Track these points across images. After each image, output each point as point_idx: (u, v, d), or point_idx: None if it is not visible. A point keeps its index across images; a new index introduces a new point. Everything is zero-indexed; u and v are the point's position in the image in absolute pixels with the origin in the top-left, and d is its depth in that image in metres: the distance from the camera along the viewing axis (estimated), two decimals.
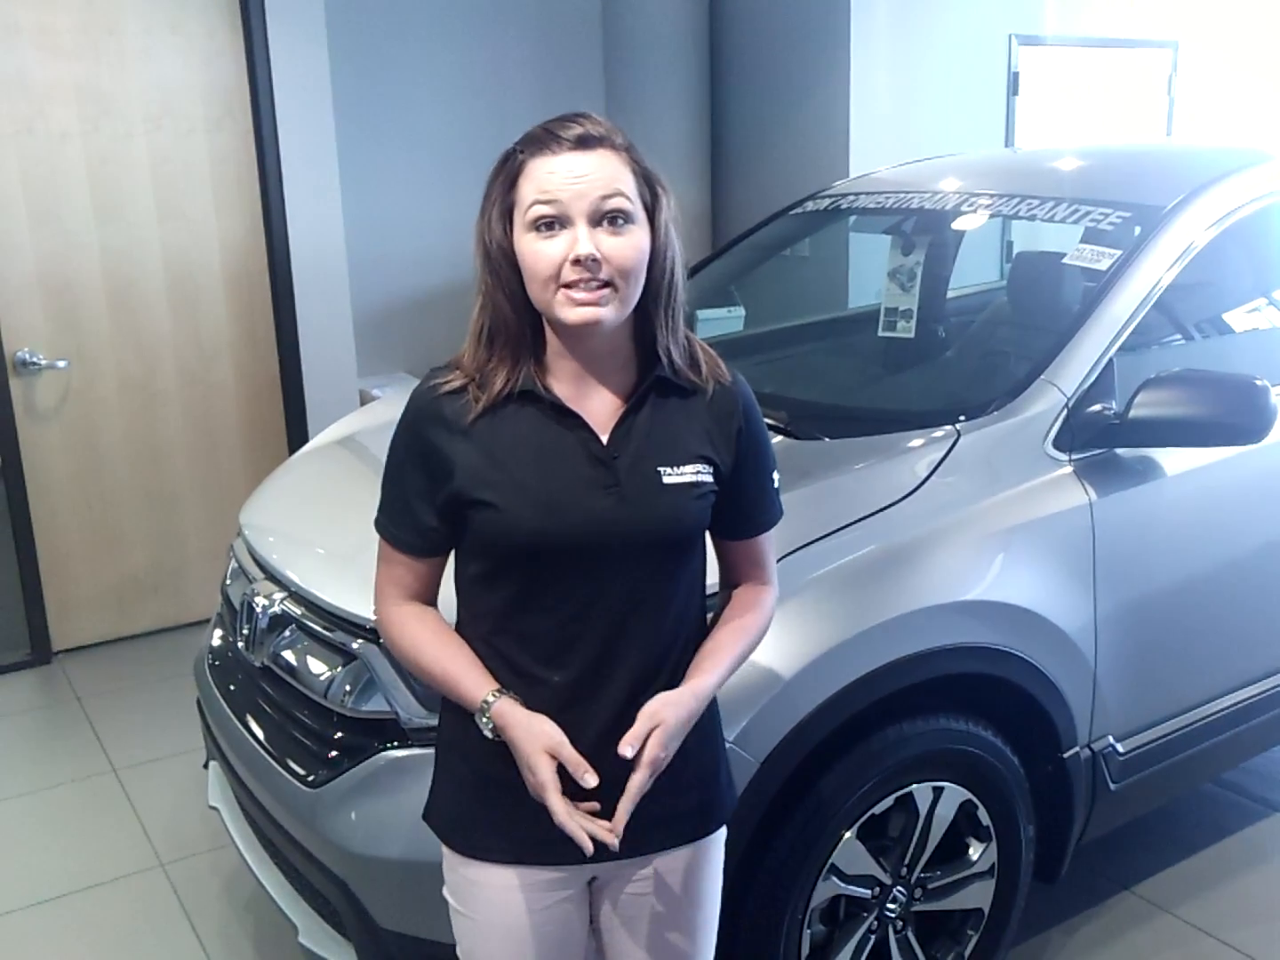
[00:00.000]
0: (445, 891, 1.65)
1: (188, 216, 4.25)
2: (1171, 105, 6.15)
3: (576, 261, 1.40)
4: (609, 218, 1.42)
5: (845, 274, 4.45)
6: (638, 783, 1.44)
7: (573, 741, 1.46)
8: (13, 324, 4.04)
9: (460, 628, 1.58)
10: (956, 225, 3.24)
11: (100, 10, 3.98)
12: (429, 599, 1.60)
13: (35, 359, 4.08)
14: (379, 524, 1.59)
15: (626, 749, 1.43)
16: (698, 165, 5.55)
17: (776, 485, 1.64)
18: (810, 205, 3.45)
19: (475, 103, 5.26)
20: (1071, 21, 5.60)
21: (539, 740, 1.45)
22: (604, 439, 1.49)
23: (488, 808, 1.56)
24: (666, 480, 1.49)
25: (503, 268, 1.47)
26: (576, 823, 1.43)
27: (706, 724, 1.57)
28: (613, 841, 1.44)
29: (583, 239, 1.40)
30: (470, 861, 1.58)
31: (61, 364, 4.11)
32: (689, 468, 1.50)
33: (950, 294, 3.49)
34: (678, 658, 1.55)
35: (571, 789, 1.45)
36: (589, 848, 1.42)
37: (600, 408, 1.51)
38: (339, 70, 4.52)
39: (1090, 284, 2.60)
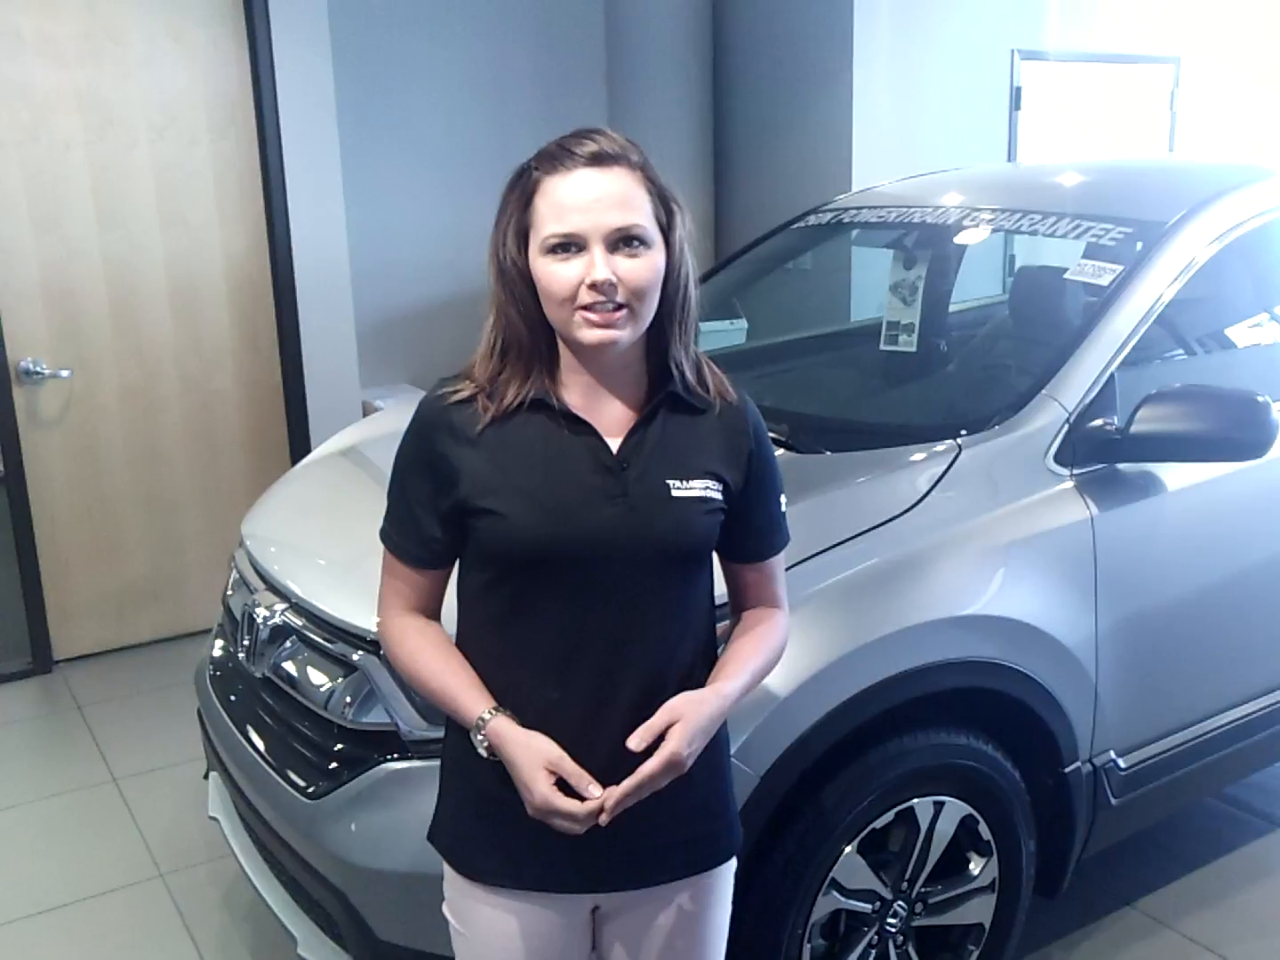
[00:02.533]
0: (445, 909, 1.64)
1: (191, 225, 4.26)
2: (1174, 121, 6.16)
3: (593, 286, 1.40)
4: (625, 241, 1.42)
5: (847, 288, 4.45)
6: (648, 769, 1.41)
7: (583, 765, 1.44)
8: (16, 333, 4.05)
9: (462, 640, 1.57)
10: (958, 240, 3.25)
11: (103, 19, 3.99)
12: (432, 612, 1.60)
13: (39, 368, 4.08)
14: (384, 533, 1.59)
15: (635, 741, 1.42)
16: (700, 176, 5.55)
17: (784, 510, 1.64)
18: (812, 219, 3.46)
19: (479, 113, 5.27)
20: (1074, 37, 5.61)
21: (537, 756, 1.43)
22: (614, 449, 1.49)
23: (490, 829, 1.55)
24: (675, 493, 1.49)
25: (517, 284, 1.47)
26: (589, 808, 1.41)
27: (714, 753, 1.55)
28: (606, 803, 1.42)
29: (599, 264, 1.40)
30: (471, 883, 1.57)
31: (65, 374, 4.12)
32: (698, 483, 1.50)
33: (952, 308, 3.49)
34: (685, 674, 1.53)
35: None
36: (602, 804, 1.41)
37: (611, 419, 1.51)
38: (343, 79, 4.53)
39: (1092, 299, 2.60)
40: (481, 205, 1.51)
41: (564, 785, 1.43)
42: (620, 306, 1.42)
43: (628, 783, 1.42)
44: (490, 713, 1.47)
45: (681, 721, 1.43)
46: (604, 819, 1.42)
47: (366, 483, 2.80)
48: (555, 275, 1.42)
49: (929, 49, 5.20)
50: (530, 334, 1.48)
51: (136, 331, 4.25)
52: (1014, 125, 5.54)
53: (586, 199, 1.41)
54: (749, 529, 1.59)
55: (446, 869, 1.62)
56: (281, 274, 4.42)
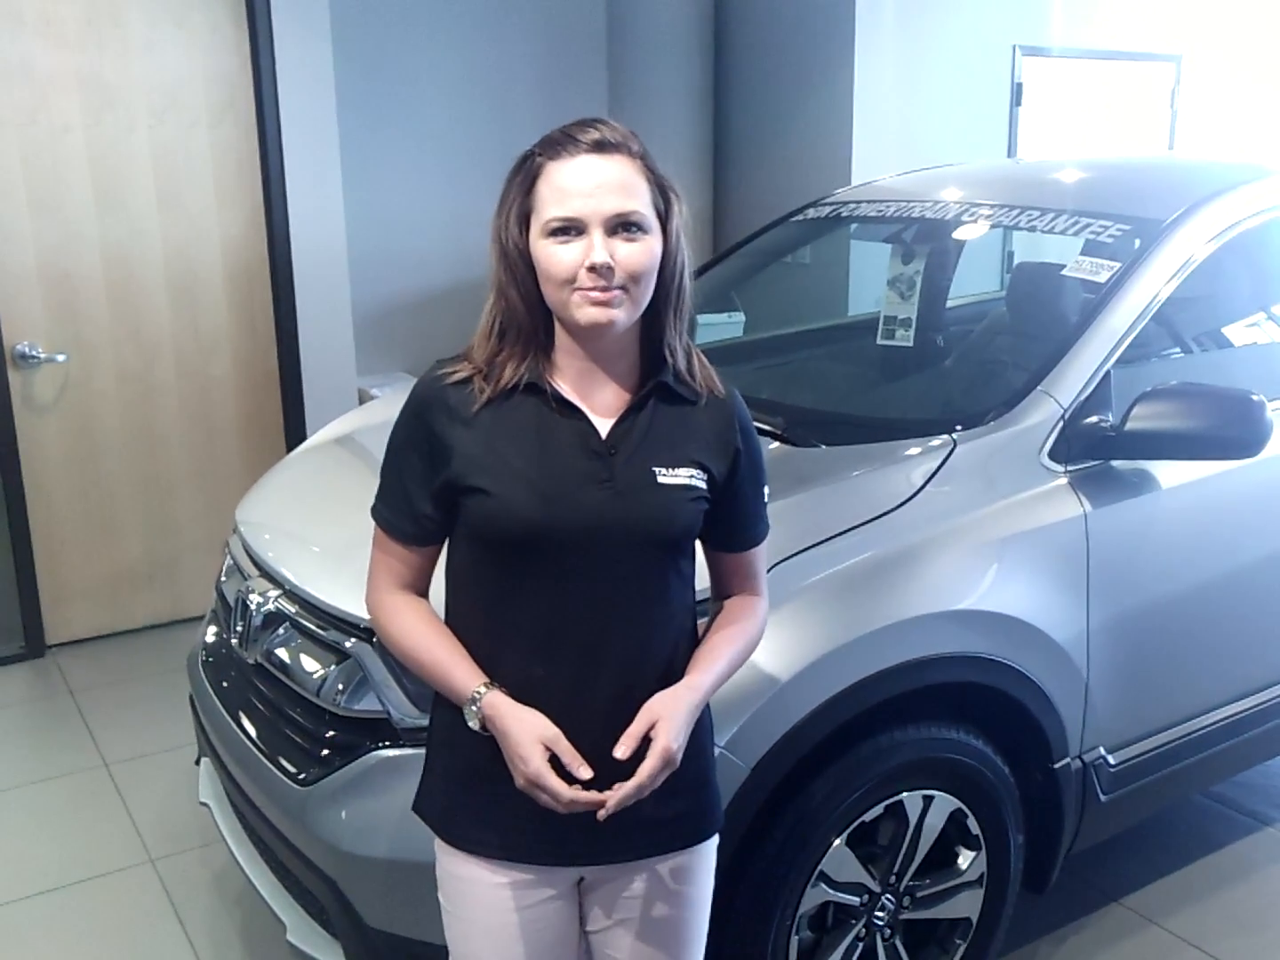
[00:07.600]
0: (439, 894, 1.66)
1: (189, 210, 4.25)
2: (1174, 119, 6.16)
3: (592, 269, 1.43)
4: (624, 226, 1.45)
5: (845, 281, 4.46)
6: (648, 769, 1.45)
7: (568, 740, 1.47)
8: (12, 316, 4.04)
9: (450, 617, 1.60)
10: (957, 235, 3.25)
11: (104, 1, 3.97)
12: (421, 589, 1.62)
13: (34, 352, 4.07)
14: (375, 510, 1.61)
15: (621, 750, 1.45)
16: (700, 168, 5.55)
17: (765, 501, 1.66)
18: (811, 212, 3.46)
19: (479, 101, 5.27)
20: (1075, 33, 5.61)
21: (534, 730, 1.46)
22: (603, 434, 1.51)
23: (478, 802, 1.57)
24: (661, 480, 1.51)
25: (519, 267, 1.50)
26: (576, 794, 1.44)
27: (698, 734, 1.58)
28: (604, 803, 1.44)
29: (598, 247, 1.43)
30: (459, 857, 1.59)
31: (60, 358, 4.11)
32: (684, 471, 1.53)
33: (949, 303, 3.49)
34: (666, 658, 1.56)
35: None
36: (601, 799, 1.44)
37: (603, 405, 1.54)
38: (343, 65, 4.53)
39: (1089, 296, 2.60)
40: (481, 194, 1.52)
41: (555, 763, 1.45)
42: (617, 289, 1.44)
43: (629, 786, 1.45)
44: (485, 687, 1.49)
45: (663, 719, 1.47)
46: (602, 814, 1.45)
47: (361, 471, 2.79)
48: (555, 257, 1.45)
49: (930, 43, 5.20)
50: (529, 316, 1.51)
51: (133, 316, 4.24)
52: (1014, 121, 5.55)
53: (588, 184, 1.44)
54: (732, 519, 1.62)
55: (438, 850, 1.63)
56: (279, 260, 4.42)
